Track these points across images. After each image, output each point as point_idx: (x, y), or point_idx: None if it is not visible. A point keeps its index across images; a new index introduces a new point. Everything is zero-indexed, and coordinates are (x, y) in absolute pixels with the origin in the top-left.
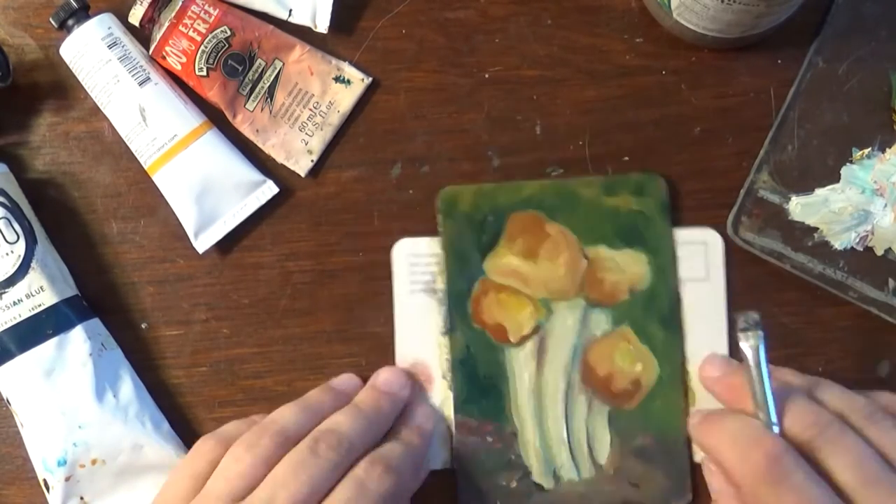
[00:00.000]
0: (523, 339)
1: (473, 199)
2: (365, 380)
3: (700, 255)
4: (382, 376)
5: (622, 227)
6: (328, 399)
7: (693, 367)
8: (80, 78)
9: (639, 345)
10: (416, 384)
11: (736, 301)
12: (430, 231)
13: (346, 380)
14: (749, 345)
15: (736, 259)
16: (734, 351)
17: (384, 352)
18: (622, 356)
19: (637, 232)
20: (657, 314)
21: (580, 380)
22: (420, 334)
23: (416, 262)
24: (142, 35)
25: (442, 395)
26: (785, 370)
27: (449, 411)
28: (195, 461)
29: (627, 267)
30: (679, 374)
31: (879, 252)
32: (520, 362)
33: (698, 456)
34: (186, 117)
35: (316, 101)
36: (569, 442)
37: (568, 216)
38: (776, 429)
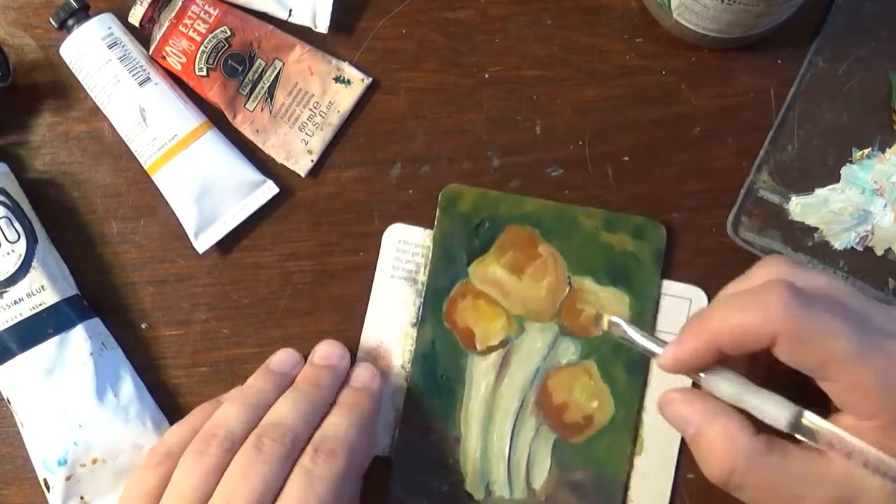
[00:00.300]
0: (489, 350)
1: (475, 201)
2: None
3: (682, 310)
4: (319, 351)
5: (613, 264)
6: (269, 385)
7: (648, 417)
8: (80, 78)
9: (600, 382)
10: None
11: None
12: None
13: (284, 357)
14: (620, 333)
15: (736, 259)
16: None
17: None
18: (581, 389)
19: (626, 273)
20: (625, 357)
21: (535, 402)
22: (391, 320)
23: (404, 248)
24: (142, 35)
25: (396, 385)
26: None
27: (400, 402)
28: (145, 479)
29: (608, 304)
30: (632, 420)
31: (879, 252)
32: (480, 371)
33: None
34: (186, 117)
35: (316, 101)
36: (508, 459)
37: (562, 241)
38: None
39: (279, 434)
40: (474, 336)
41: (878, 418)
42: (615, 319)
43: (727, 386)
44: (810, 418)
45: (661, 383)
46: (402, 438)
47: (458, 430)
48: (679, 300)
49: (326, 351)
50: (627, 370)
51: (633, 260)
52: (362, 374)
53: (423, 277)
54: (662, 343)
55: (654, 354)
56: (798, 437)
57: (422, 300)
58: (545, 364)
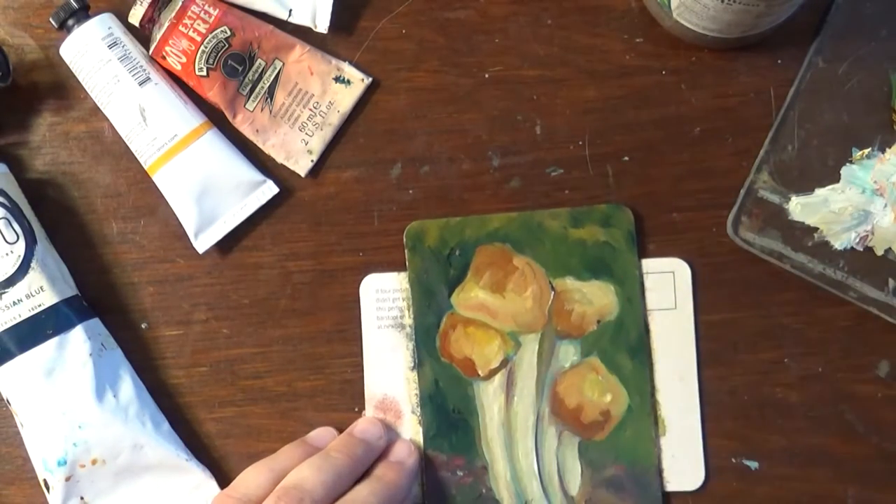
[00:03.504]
0: (492, 373)
1: (440, 233)
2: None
3: (668, 284)
4: (359, 425)
5: (589, 258)
6: (298, 453)
7: (662, 398)
8: (80, 78)
9: (608, 375)
10: (392, 431)
11: (737, 301)
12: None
13: (322, 433)
14: None
15: (736, 259)
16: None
17: None
18: (591, 387)
19: (604, 263)
20: (625, 344)
21: (550, 412)
22: (389, 370)
23: (383, 297)
24: (142, 35)
25: (412, 431)
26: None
27: (419, 446)
28: None
29: (595, 298)
30: (649, 404)
31: (879, 252)
32: (489, 396)
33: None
34: (186, 117)
35: (316, 101)
36: (539, 474)
37: (535, 248)
38: None
39: (297, 497)
40: (474, 364)
41: None
42: None
43: None
44: None
45: (666, 363)
46: (430, 482)
47: (484, 459)
48: (663, 275)
49: (365, 427)
50: (631, 356)
51: (608, 248)
52: (399, 450)
53: (409, 320)
54: None
55: None
56: None
57: (414, 343)
58: (549, 372)
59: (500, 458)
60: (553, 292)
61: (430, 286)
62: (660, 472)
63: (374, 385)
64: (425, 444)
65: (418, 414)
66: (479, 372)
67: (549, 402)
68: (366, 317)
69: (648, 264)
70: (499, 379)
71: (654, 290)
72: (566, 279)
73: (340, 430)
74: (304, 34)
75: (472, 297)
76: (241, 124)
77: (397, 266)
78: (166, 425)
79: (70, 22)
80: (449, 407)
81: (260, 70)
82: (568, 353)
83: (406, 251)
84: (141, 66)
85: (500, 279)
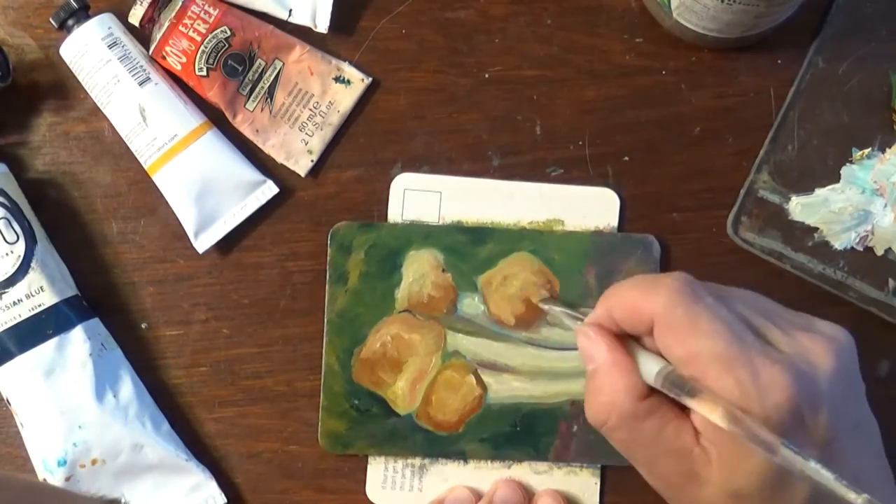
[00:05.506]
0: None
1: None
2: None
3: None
4: (498, 494)
5: None
6: None
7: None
8: (80, 78)
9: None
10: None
11: None
12: None
13: (460, 496)
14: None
15: (736, 259)
16: None
17: None
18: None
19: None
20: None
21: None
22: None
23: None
24: (142, 35)
25: None
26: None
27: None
28: None
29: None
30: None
31: (879, 252)
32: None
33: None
34: (186, 117)
35: (316, 101)
36: None
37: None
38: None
39: None
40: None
41: None
42: (543, 306)
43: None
44: (676, 372)
45: None
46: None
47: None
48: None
49: (505, 495)
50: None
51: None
52: None
53: None
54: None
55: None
56: (666, 391)
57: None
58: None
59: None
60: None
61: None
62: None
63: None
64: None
65: None
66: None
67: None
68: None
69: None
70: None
71: None
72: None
73: None
74: (304, 34)
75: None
76: (241, 124)
77: None
78: (166, 425)
79: (70, 22)
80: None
81: (260, 70)
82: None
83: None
84: (141, 66)
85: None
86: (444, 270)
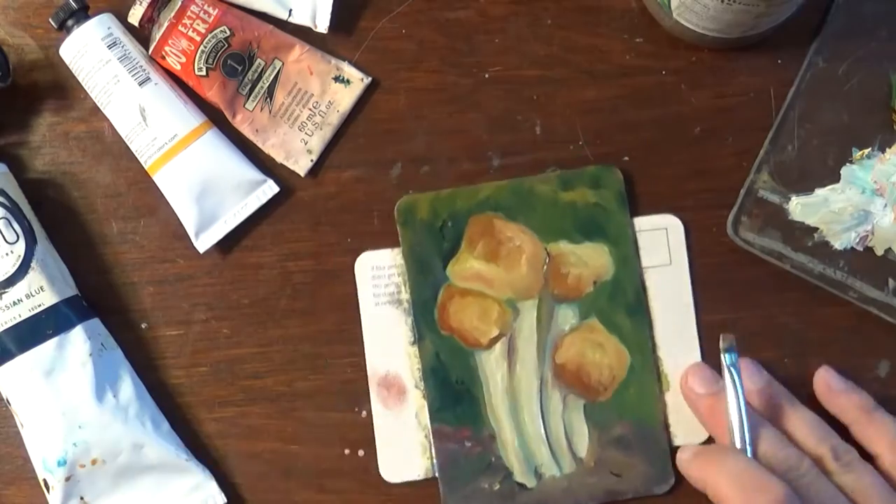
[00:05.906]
0: (492, 342)
1: (431, 206)
2: None
3: (662, 241)
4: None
5: (581, 220)
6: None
7: (663, 353)
8: (79, 78)
9: (607, 335)
10: None
11: (737, 301)
12: None
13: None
14: (728, 364)
15: (736, 259)
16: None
17: None
18: (592, 349)
19: (596, 224)
20: (623, 304)
21: (553, 376)
22: (389, 346)
23: (379, 274)
24: (141, 35)
25: (416, 405)
26: (763, 375)
27: (425, 421)
28: None
29: (590, 260)
30: (651, 361)
31: (879, 252)
32: (491, 365)
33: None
34: (186, 117)
35: (315, 101)
36: (547, 438)
37: (526, 214)
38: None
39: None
40: (474, 334)
41: None
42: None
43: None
44: None
45: (665, 319)
46: (439, 454)
47: (490, 428)
48: (655, 232)
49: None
50: (629, 315)
51: (600, 209)
52: None
53: (406, 295)
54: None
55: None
56: None
57: (412, 317)
58: (550, 336)
59: (506, 425)
60: (548, 257)
61: (425, 259)
62: (666, 426)
63: (375, 362)
64: (431, 417)
65: (422, 388)
66: (480, 341)
67: (552, 367)
68: (362, 295)
69: (641, 222)
70: (500, 347)
71: (647, 247)
72: (560, 243)
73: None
74: (303, 34)
75: (467, 267)
76: (241, 124)
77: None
78: (166, 425)
79: (70, 22)
80: (452, 379)
81: (259, 70)
82: (567, 317)
83: (398, 226)
84: (141, 66)
85: (494, 248)
86: None
